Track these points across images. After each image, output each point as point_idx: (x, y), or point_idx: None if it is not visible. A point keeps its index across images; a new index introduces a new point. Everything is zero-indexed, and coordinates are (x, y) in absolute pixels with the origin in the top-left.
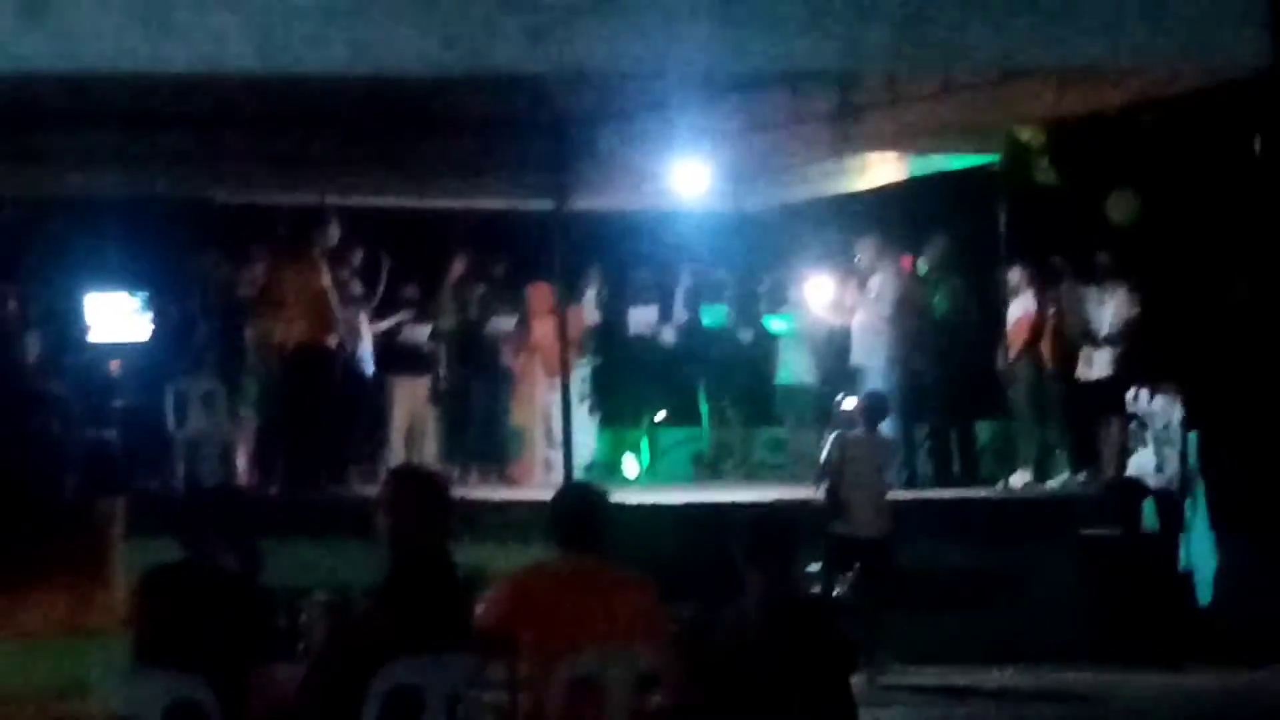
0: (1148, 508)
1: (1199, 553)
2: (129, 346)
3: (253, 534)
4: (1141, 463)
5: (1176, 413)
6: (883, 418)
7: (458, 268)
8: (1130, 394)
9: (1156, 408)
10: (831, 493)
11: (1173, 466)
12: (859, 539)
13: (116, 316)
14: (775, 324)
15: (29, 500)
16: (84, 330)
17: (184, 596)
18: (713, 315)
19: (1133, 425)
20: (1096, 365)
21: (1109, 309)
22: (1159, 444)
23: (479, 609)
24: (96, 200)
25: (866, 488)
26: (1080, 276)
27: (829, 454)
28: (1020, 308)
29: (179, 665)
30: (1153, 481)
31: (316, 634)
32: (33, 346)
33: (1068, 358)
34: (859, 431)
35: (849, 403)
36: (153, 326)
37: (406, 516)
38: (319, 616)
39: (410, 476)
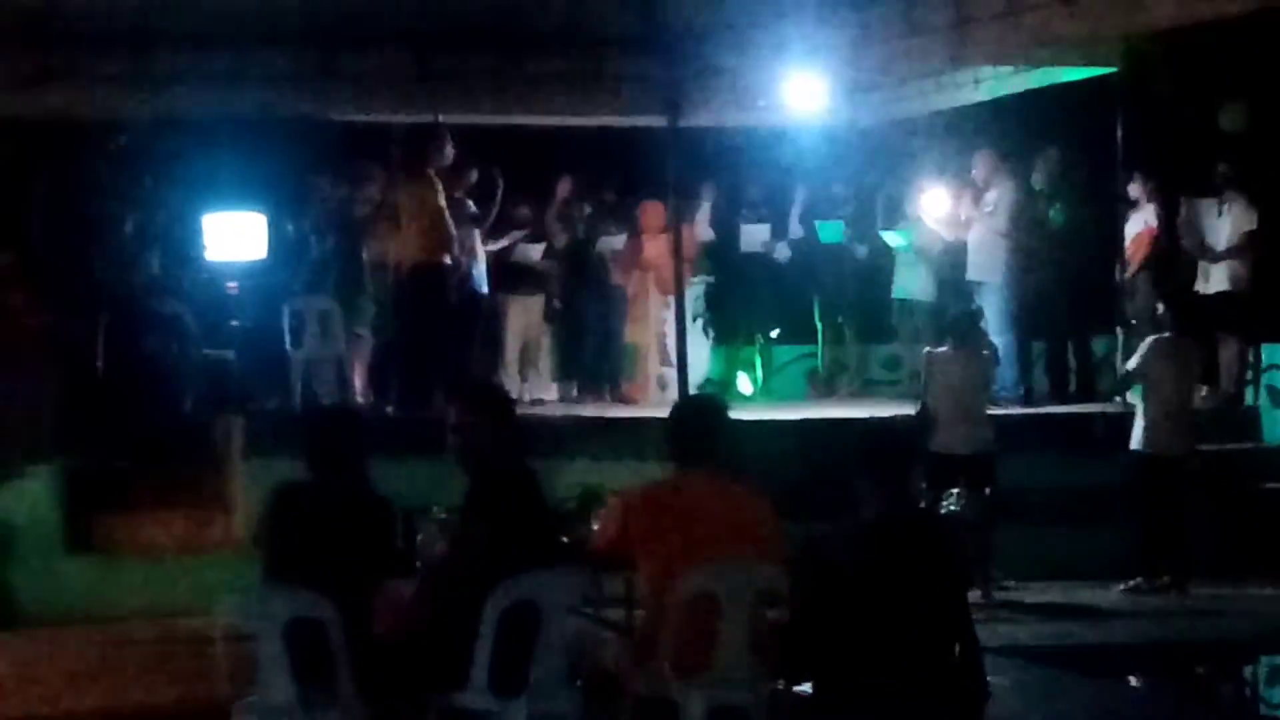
0: None
1: None
2: (245, 266)
3: (367, 453)
4: None
5: None
6: (968, 334)
7: (563, 188)
8: None
9: None
10: (922, 410)
11: None
12: (946, 456)
13: (233, 236)
14: (891, 239)
15: (148, 420)
16: (201, 250)
17: (308, 515)
18: (827, 231)
19: None
20: (1214, 280)
21: (1227, 222)
22: None
23: (595, 527)
24: (213, 120)
25: (956, 404)
26: (1198, 189)
27: (921, 372)
28: (1139, 221)
29: (302, 582)
30: None
31: (433, 552)
32: (150, 267)
33: (1186, 272)
34: (946, 349)
35: None
36: (269, 246)
37: (477, 434)
38: (435, 535)
39: (474, 394)
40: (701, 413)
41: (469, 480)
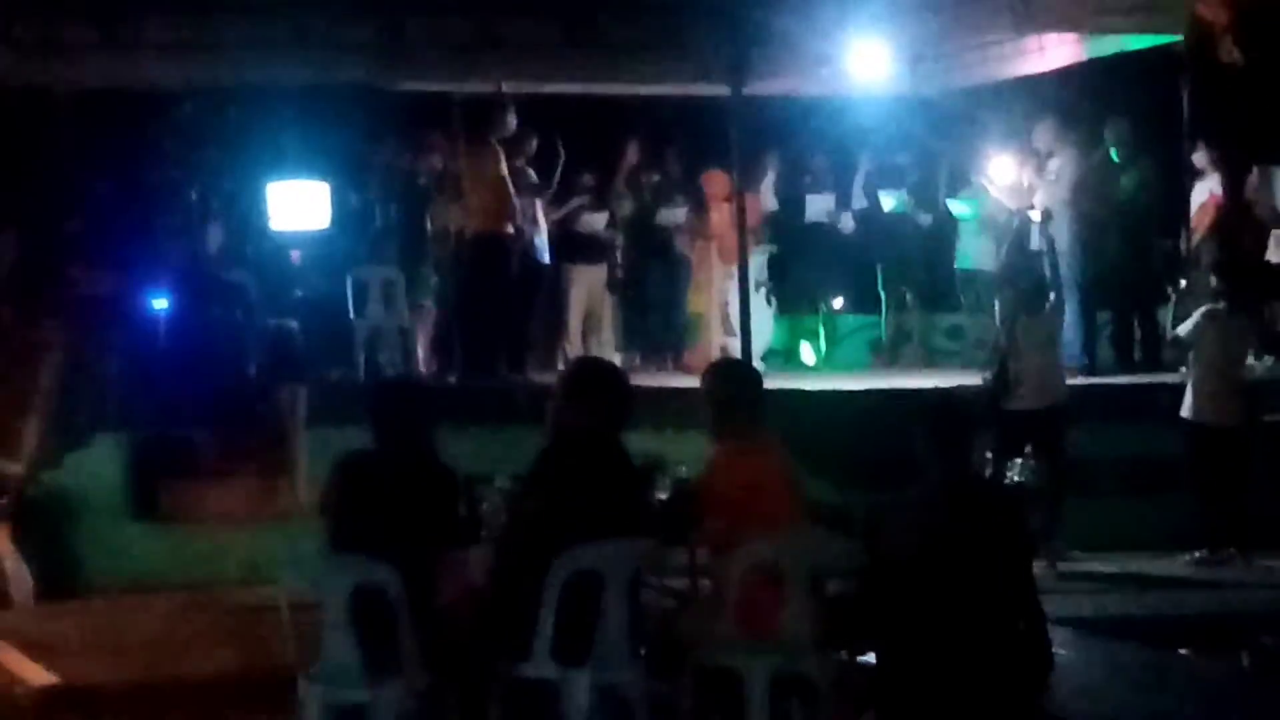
0: None
1: None
2: (309, 235)
3: (433, 423)
4: None
5: None
6: (1042, 303)
7: (632, 155)
8: None
9: None
10: (1001, 370)
11: None
12: (1023, 412)
13: (297, 206)
14: (957, 208)
15: (213, 389)
16: (265, 220)
17: (373, 484)
18: (891, 200)
19: None
20: None
21: None
22: None
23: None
24: (276, 90)
25: (1035, 362)
26: (1268, 157)
27: (1000, 336)
28: (1205, 190)
29: (367, 551)
30: None
31: (497, 520)
32: (215, 237)
33: (1255, 241)
34: (1024, 314)
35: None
36: (333, 216)
37: (580, 407)
38: (499, 503)
39: (588, 369)
40: (747, 378)
41: (560, 448)
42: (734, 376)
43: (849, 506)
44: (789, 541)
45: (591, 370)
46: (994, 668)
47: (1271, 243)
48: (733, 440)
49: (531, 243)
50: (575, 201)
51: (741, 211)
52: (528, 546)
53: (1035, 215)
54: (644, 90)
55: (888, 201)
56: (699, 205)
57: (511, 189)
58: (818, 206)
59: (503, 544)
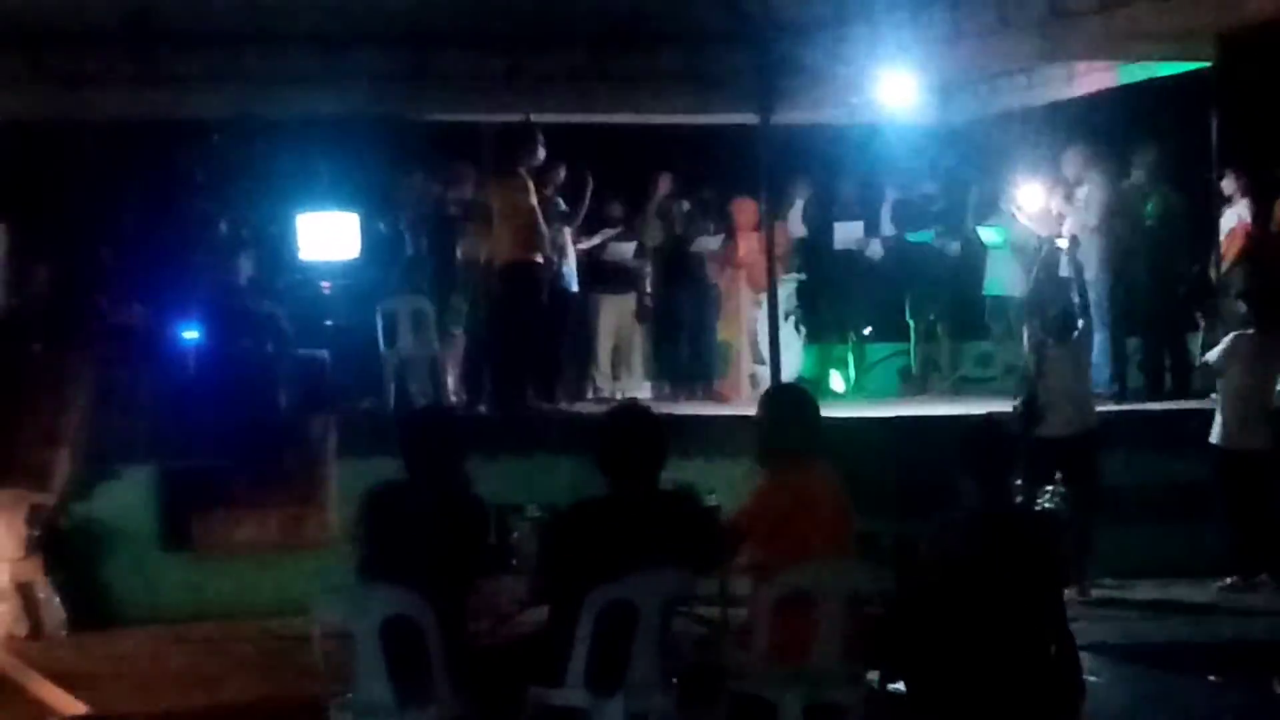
0: None
1: None
2: (339, 266)
3: (464, 454)
4: None
5: None
6: (1070, 332)
7: (663, 184)
8: None
9: None
10: (1030, 399)
11: None
12: (1053, 440)
13: (327, 236)
14: (987, 235)
15: (243, 420)
16: (295, 250)
17: (403, 514)
18: (920, 228)
19: None
20: None
21: None
22: None
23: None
24: (306, 121)
25: (1065, 389)
26: None
27: (1029, 364)
28: (1234, 217)
29: (398, 581)
30: None
31: (528, 550)
32: (245, 267)
33: None
34: (1052, 342)
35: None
36: (362, 246)
37: (621, 452)
38: (530, 533)
39: (627, 416)
40: (803, 403)
41: (606, 488)
42: (790, 401)
43: (880, 534)
44: (822, 569)
45: (635, 419)
46: (1026, 695)
47: None
48: (782, 467)
49: (560, 272)
50: (605, 231)
51: (770, 239)
52: (562, 576)
53: (1063, 242)
54: (673, 119)
55: (916, 230)
56: (728, 233)
57: (541, 218)
58: (846, 234)
59: (540, 575)
